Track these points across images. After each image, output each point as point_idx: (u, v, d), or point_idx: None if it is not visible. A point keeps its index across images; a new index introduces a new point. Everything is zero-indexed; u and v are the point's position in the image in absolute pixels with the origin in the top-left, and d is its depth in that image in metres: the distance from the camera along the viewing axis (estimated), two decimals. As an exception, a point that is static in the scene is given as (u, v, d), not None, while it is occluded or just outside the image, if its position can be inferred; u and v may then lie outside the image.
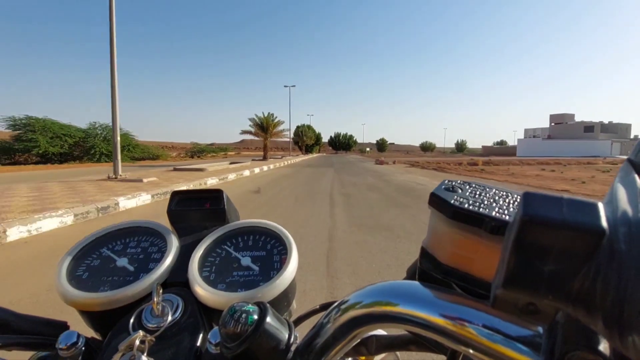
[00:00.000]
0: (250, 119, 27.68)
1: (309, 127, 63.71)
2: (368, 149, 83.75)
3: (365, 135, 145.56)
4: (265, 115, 27.34)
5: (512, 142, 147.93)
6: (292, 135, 46.39)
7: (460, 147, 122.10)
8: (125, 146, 20.66)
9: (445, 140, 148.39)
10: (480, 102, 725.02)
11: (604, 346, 0.15)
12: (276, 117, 27.56)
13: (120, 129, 20.78)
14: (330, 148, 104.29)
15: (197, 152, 35.65)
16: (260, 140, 28.35)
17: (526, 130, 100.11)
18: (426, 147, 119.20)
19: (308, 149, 65.52)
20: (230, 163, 17.70)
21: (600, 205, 0.13)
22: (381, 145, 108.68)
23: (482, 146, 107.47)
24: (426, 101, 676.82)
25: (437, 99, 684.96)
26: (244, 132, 28.06)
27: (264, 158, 26.14)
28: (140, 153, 23.46)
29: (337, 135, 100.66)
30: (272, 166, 18.23)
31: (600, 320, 0.12)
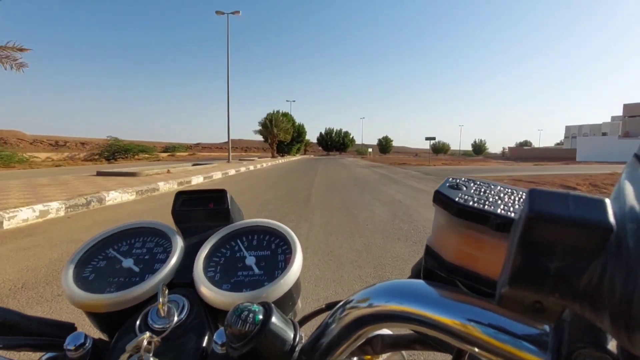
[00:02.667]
0: None
1: (285, 115, 41.34)
2: (370, 150, 62.54)
3: (364, 133, 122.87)
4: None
5: (536, 142, 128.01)
6: (226, 121, 23.16)
7: (479, 149, 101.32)
8: None
9: (460, 140, 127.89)
10: (496, 99, 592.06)
11: (611, 344, 0.15)
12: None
13: None
14: (320, 148, 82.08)
15: (117, 151, 23.62)
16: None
17: (568, 128, 79.40)
18: (438, 149, 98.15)
19: (283, 149, 43.14)
20: None
21: (608, 202, 0.13)
22: (384, 146, 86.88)
23: (508, 148, 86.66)
24: (435, 97, 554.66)
25: (448, 95, 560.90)
26: None
27: None
28: None
29: (329, 132, 78.03)
30: None
31: (608, 317, 0.12)
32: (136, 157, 24.90)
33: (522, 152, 76.89)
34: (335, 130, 78.18)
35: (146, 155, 26.29)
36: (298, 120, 47.66)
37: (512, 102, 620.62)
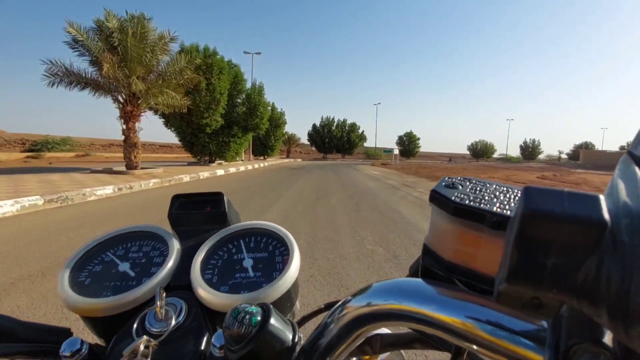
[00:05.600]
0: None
1: (229, 66, 15.40)
2: (396, 152, 37.79)
3: (378, 126, 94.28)
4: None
5: (599, 144, 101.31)
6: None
7: (531, 153, 75.30)
8: None
9: (508, 141, 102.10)
10: (544, 96, 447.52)
11: (608, 338, 0.15)
12: None
13: None
14: (315, 149, 55.67)
15: None
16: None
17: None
18: (479, 152, 72.33)
19: (207, 148, 17.03)
20: None
21: (602, 198, 0.13)
22: (407, 147, 59.53)
23: (582, 150, 60.38)
24: (458, 91, 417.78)
25: (469, 89, 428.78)
26: None
27: None
28: None
29: (327, 124, 50.85)
30: None
31: (605, 312, 0.12)
32: None
33: (601, 157, 51.00)
34: (336, 121, 51.29)
35: None
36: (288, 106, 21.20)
37: (565, 99, 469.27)
